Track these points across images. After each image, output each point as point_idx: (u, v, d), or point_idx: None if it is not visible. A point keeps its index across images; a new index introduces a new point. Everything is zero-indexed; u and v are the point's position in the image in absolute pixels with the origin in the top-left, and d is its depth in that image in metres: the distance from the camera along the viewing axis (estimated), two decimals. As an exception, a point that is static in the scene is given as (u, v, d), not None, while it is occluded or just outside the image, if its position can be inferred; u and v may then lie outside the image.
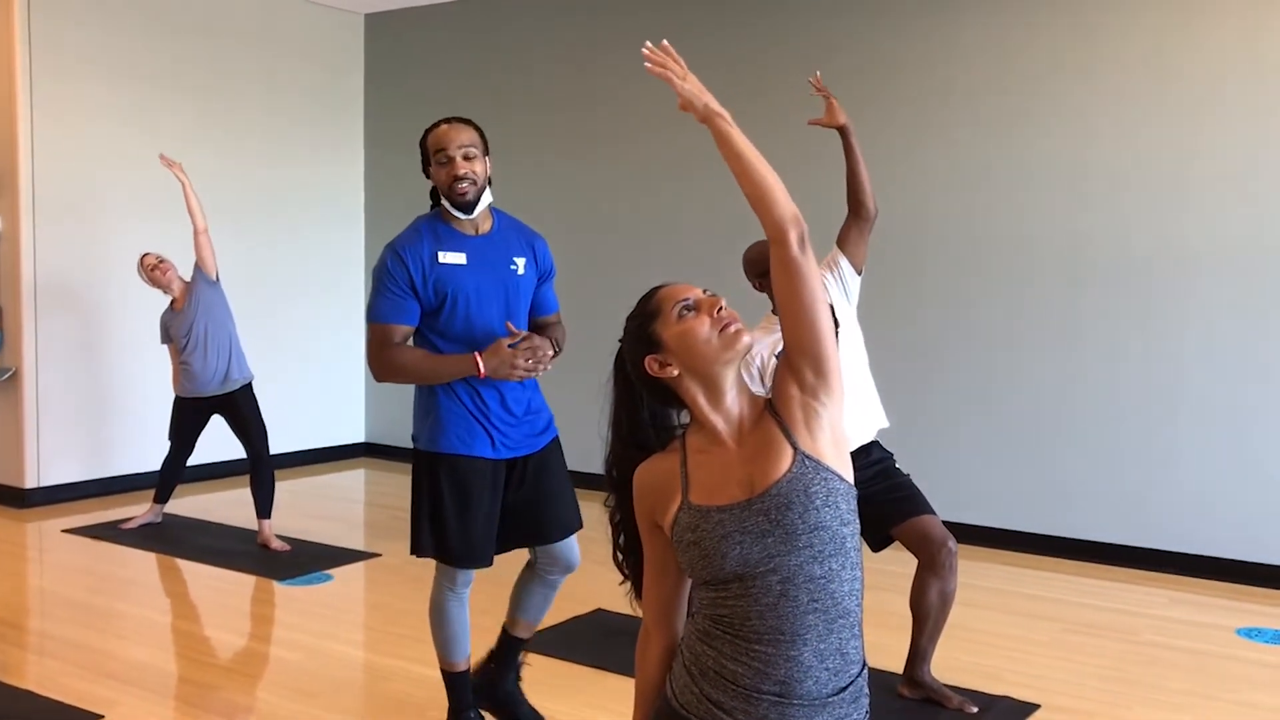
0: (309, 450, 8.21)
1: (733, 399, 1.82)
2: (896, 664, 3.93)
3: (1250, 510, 5.44)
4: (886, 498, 3.76)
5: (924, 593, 3.75)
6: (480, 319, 3.22)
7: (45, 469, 6.87)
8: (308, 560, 5.67)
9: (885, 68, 6.30)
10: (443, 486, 3.23)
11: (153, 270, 5.97)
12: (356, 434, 8.66)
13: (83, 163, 6.93)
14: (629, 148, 7.23)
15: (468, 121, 3.25)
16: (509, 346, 3.16)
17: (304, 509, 6.81)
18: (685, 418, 1.89)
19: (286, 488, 6.76)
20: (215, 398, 5.98)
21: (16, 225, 6.68)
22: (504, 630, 3.53)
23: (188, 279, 6.02)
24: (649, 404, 1.89)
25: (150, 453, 6.75)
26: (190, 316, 5.90)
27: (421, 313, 3.22)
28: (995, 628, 4.72)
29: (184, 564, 5.70)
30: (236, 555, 5.76)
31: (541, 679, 3.78)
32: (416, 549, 3.31)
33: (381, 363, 3.23)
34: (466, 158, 3.16)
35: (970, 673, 4.12)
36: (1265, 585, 5.35)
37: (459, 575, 3.33)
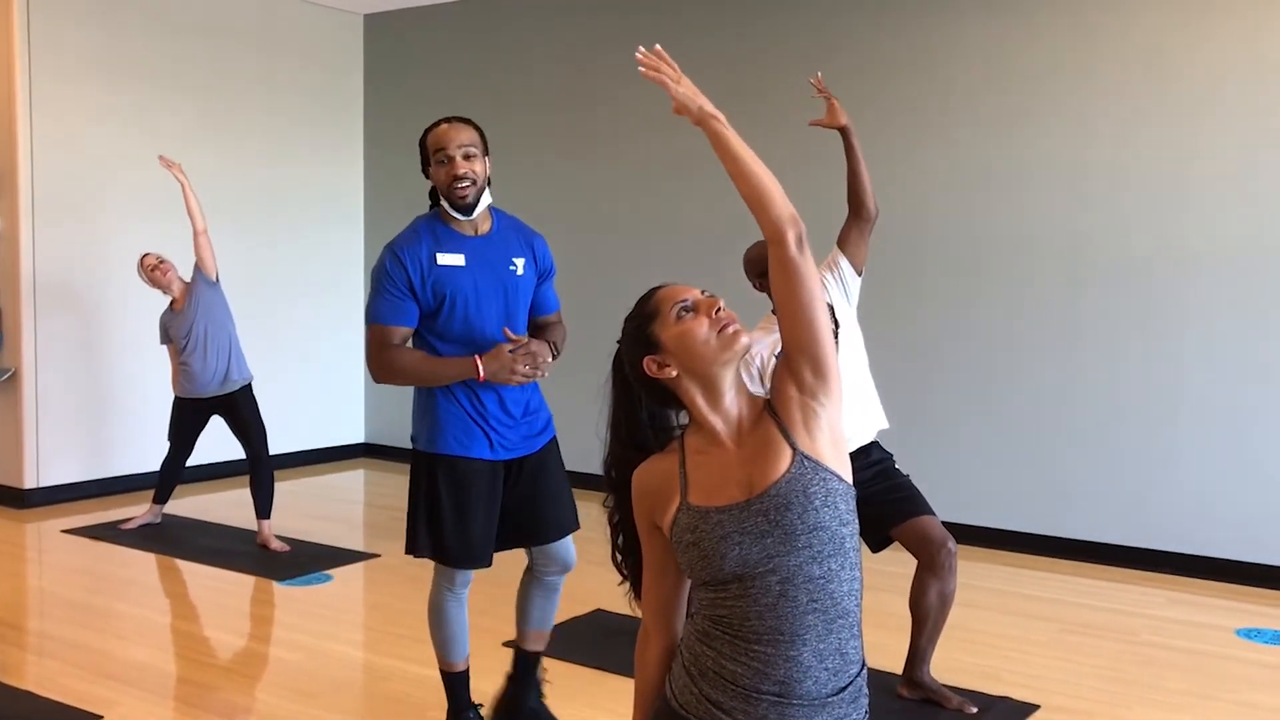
0: (308, 450, 8.21)
1: (731, 399, 1.82)
2: (896, 664, 3.93)
3: (1250, 510, 5.44)
4: (886, 498, 3.76)
5: (923, 593, 3.75)
6: (479, 320, 3.21)
7: (45, 469, 6.87)
8: (307, 560, 5.67)
9: (885, 68, 6.30)
10: (440, 487, 3.23)
11: (153, 271, 5.97)
12: (356, 434, 8.66)
13: (82, 163, 6.93)
14: (629, 148, 7.23)
15: (468, 121, 3.24)
16: (509, 352, 3.16)
17: (303, 509, 6.81)
18: (684, 418, 1.89)
19: (286, 488, 6.76)
20: (215, 398, 5.98)
21: (16, 225, 6.68)
22: (515, 648, 3.52)
23: (188, 280, 6.02)
24: (647, 405, 1.89)
25: (150, 453, 6.76)
26: (190, 317, 5.90)
27: (420, 314, 3.22)
28: (994, 628, 4.72)
29: (183, 564, 5.69)
30: (236, 556, 5.76)
31: (541, 679, 3.78)
32: (411, 548, 3.32)
33: (381, 364, 3.23)
34: (466, 157, 3.16)
35: (969, 673, 4.12)
36: (1264, 586, 5.34)
37: (457, 576, 3.33)
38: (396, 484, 7.24)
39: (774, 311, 3.61)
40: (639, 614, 1.93)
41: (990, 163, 6.04)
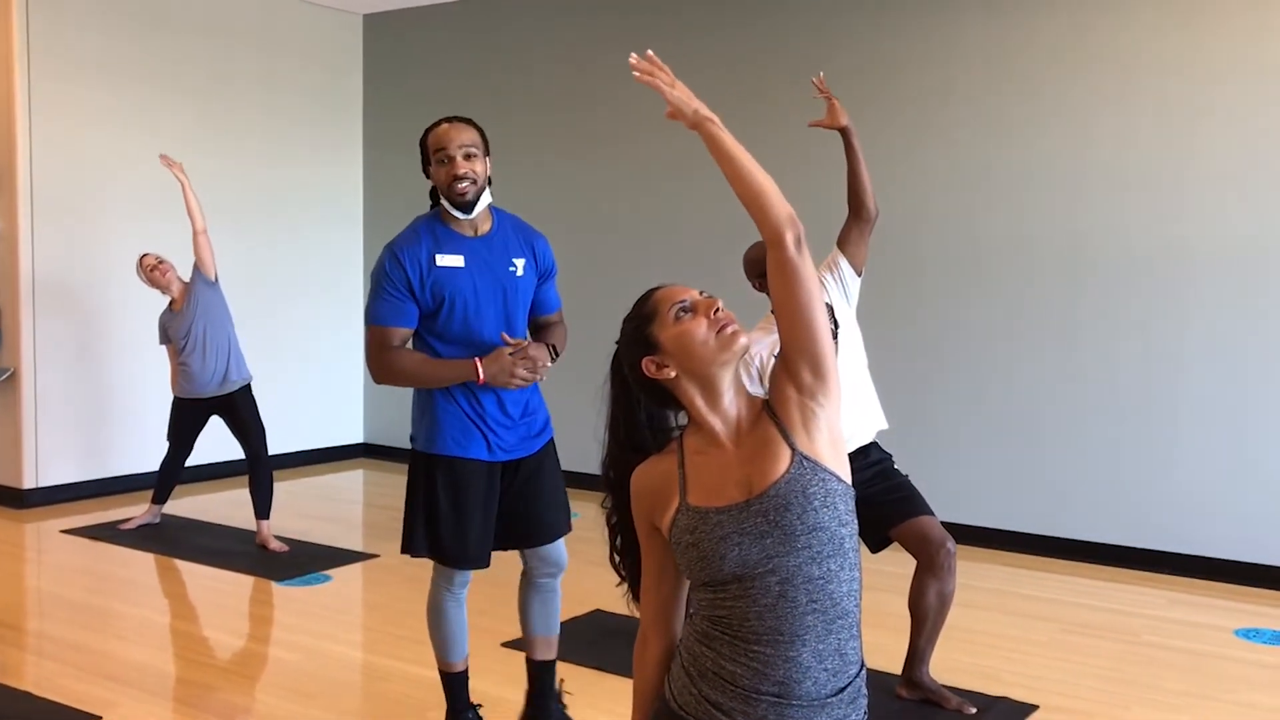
0: (308, 451, 8.20)
1: (730, 400, 1.82)
2: (895, 665, 3.93)
3: (1249, 511, 5.44)
4: (885, 499, 3.76)
5: (922, 594, 3.75)
6: (478, 321, 3.21)
7: (44, 469, 6.87)
8: (306, 561, 5.67)
9: (885, 68, 6.29)
10: (439, 488, 3.23)
11: (152, 271, 5.96)
12: (355, 434, 8.65)
13: (82, 163, 6.92)
14: (629, 148, 7.23)
15: (469, 121, 3.23)
16: (508, 356, 3.16)
17: (302, 509, 6.80)
18: (682, 419, 1.88)
19: (285, 488, 6.76)
20: (214, 399, 5.98)
21: (15, 225, 6.67)
22: (526, 662, 3.50)
23: (187, 280, 6.01)
24: (646, 406, 1.89)
25: (149, 453, 6.75)
26: (189, 317, 5.90)
27: (420, 315, 3.21)
28: (994, 628, 4.72)
29: (182, 565, 5.69)
30: (235, 556, 5.76)
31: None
32: (407, 548, 3.32)
33: (381, 366, 3.23)
34: (467, 157, 3.15)
35: (968, 673, 4.12)
36: (1263, 586, 5.34)
37: (456, 576, 3.33)
38: (395, 484, 7.21)
39: (773, 312, 3.62)
40: (637, 615, 1.93)
41: (990, 163, 6.03)
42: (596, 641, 4.39)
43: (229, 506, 6.73)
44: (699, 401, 1.82)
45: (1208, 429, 5.53)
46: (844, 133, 3.76)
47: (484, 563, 3.31)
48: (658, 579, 1.88)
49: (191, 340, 5.88)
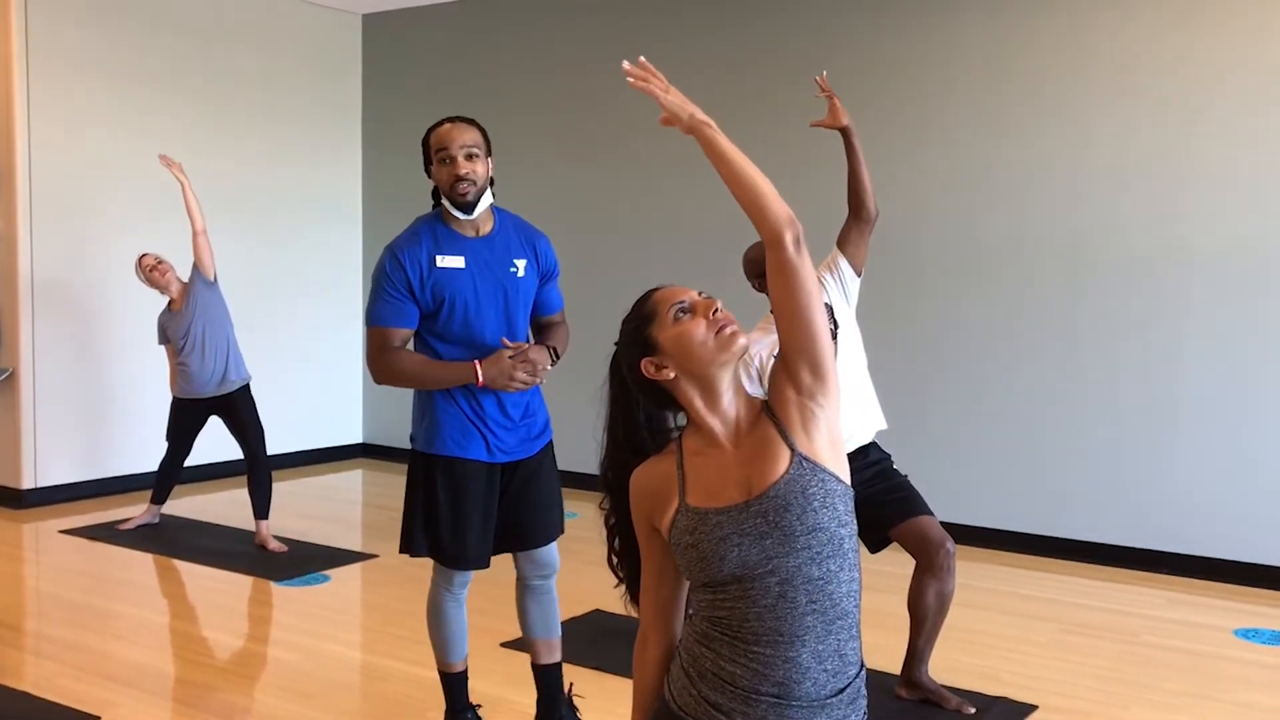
0: (307, 451, 8.20)
1: (729, 400, 1.81)
2: (894, 665, 3.93)
3: (1248, 511, 5.44)
4: (884, 499, 3.76)
5: (922, 594, 3.75)
6: (479, 322, 3.20)
7: (42, 469, 6.87)
8: (305, 561, 5.67)
9: (885, 68, 6.29)
10: (438, 488, 3.23)
11: (151, 271, 5.96)
12: (354, 435, 8.65)
13: (81, 163, 6.92)
14: (629, 148, 7.23)
15: (471, 121, 3.23)
16: (508, 359, 3.15)
17: (301, 510, 6.80)
18: (681, 420, 1.88)
19: (284, 488, 6.76)
20: (213, 399, 5.97)
21: (14, 225, 6.67)
22: (532, 667, 3.49)
23: (186, 280, 6.01)
24: (645, 407, 1.89)
25: (148, 453, 6.75)
26: (188, 317, 5.89)
27: (420, 315, 3.21)
28: (993, 629, 4.72)
29: (181, 565, 5.69)
30: (234, 556, 5.76)
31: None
32: (406, 547, 3.32)
33: (381, 367, 3.23)
34: (469, 158, 3.15)
35: (968, 674, 4.12)
36: (1262, 586, 5.34)
37: (455, 576, 3.33)
38: (394, 484, 7.21)
39: (773, 312, 3.61)
40: (636, 615, 1.93)
41: (990, 163, 6.03)
42: (596, 641, 4.38)
43: (228, 506, 6.72)
44: (698, 402, 1.81)
45: (1207, 429, 5.53)
46: (845, 133, 3.76)
47: (483, 563, 3.30)
48: (657, 580, 1.88)
49: (190, 340, 5.88)
